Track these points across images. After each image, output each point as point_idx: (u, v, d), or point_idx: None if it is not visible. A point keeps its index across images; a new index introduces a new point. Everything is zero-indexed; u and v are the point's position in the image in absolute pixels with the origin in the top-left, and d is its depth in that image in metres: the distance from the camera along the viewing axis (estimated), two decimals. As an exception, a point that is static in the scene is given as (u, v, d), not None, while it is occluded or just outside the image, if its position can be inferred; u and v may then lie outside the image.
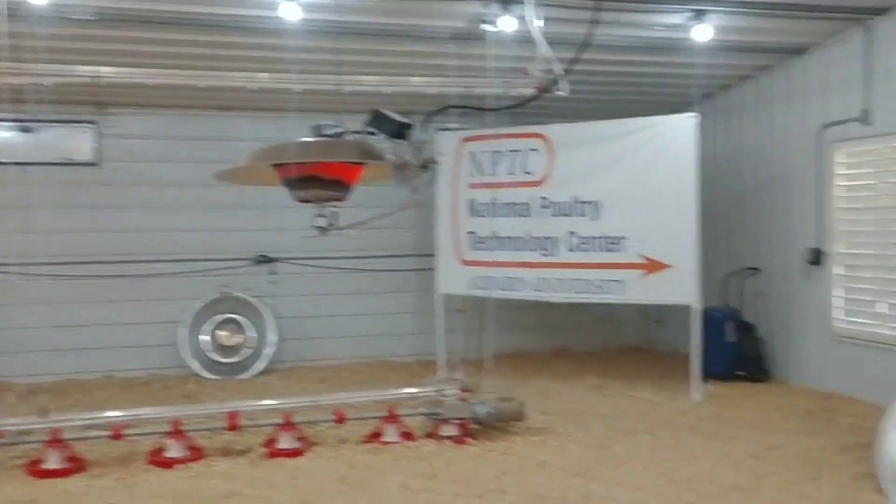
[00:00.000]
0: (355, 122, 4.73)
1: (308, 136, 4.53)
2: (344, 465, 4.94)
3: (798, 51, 6.90)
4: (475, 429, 5.53)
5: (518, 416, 5.62)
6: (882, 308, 6.25)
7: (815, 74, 6.83)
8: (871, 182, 6.35)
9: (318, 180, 4.37)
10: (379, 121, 4.63)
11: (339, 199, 4.50)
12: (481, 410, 5.50)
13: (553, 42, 5.39)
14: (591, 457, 5.11)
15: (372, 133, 4.63)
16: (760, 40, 6.63)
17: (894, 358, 5.96)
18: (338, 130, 4.50)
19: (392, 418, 5.45)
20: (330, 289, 8.37)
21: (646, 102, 8.11)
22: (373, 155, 4.49)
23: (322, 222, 4.50)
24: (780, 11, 5.90)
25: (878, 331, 6.28)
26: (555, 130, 7.22)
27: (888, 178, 6.18)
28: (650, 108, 8.02)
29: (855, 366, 6.45)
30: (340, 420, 5.45)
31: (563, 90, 5.46)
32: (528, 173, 7.26)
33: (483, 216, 7.45)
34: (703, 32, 6.00)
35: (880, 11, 6.04)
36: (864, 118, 6.26)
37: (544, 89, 5.50)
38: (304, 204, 4.60)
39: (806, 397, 6.57)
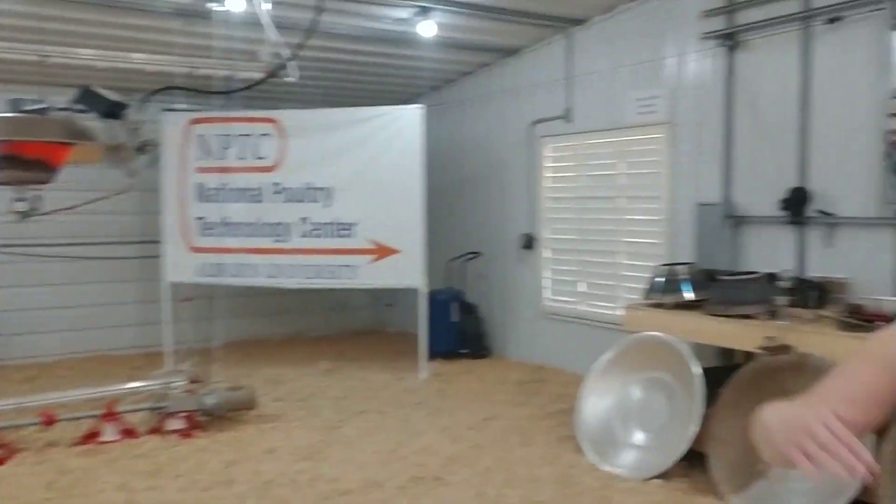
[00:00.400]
0: (63, 99, 4.35)
1: (4, 112, 4.09)
2: (52, 471, 4.56)
3: (512, 51, 7.48)
4: (204, 420, 5.37)
5: (249, 405, 5.55)
6: (582, 287, 7.01)
7: (527, 74, 7.44)
8: (573, 174, 7.07)
9: (16, 161, 3.96)
10: (89, 98, 4.30)
11: (42, 182, 4.11)
12: (210, 401, 5.35)
13: (283, 26, 5.36)
14: (321, 439, 5.19)
15: (82, 111, 4.29)
16: (480, 39, 7.08)
17: (592, 332, 6.70)
18: (41, 107, 4.11)
19: (111, 416, 5.11)
20: (37, 280, 7.62)
21: (378, 92, 8.33)
22: (81, 135, 4.16)
23: (22, 206, 4.09)
24: (495, 14, 6.35)
25: (579, 308, 7.04)
26: (287, 116, 7.17)
27: (586, 170, 6.92)
28: (382, 97, 8.26)
29: (561, 340, 7.17)
30: (49, 422, 5.00)
31: (291, 76, 5.45)
32: (259, 158, 7.15)
33: (212, 201, 7.22)
34: (427, 28, 6.28)
35: (579, 22, 6.73)
36: (567, 116, 6.96)
37: (272, 74, 5.45)
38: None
39: (519, 370, 7.18)
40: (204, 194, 7.24)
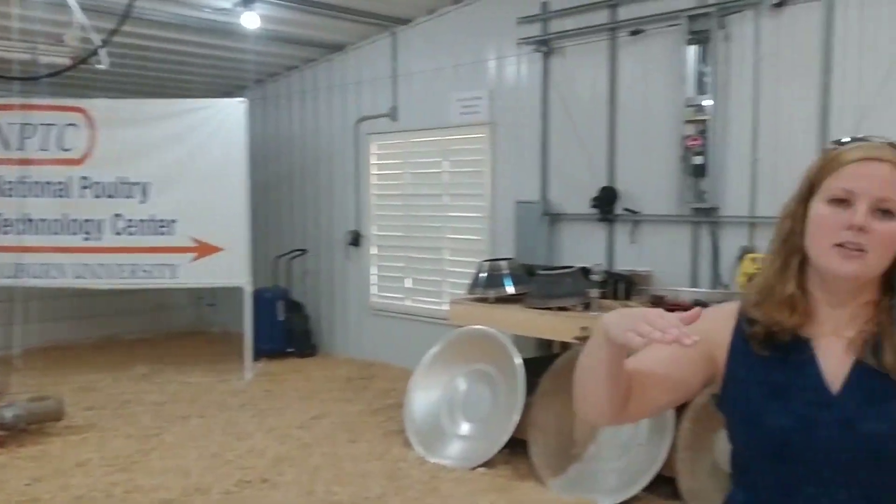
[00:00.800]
0: None
1: None
2: None
3: (338, 48, 7.45)
4: (2, 436, 4.93)
5: (56, 416, 5.17)
6: (408, 283, 7.12)
7: (353, 71, 7.44)
8: (399, 172, 7.16)
9: None
10: None
11: None
12: (8, 414, 4.92)
13: (93, 10, 5.03)
14: (139, 448, 4.94)
15: None
16: (305, 34, 6.99)
17: (419, 327, 6.81)
18: None
19: None
20: None
21: (198, 84, 8.01)
22: None
23: None
24: (319, 9, 6.29)
25: (406, 303, 7.14)
26: (97, 105, 6.73)
27: (411, 168, 7.03)
28: (203, 89, 7.95)
29: (388, 335, 7.24)
30: None
31: (102, 63, 5.13)
32: (65, 150, 6.66)
33: (10, 196, 6.63)
34: (250, 20, 6.11)
35: (404, 21, 6.82)
36: (392, 114, 7.03)
37: (81, 60, 5.10)
38: None
39: (348, 367, 7.18)
40: (0, 188, 6.65)
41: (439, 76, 6.68)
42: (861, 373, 1.29)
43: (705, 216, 5.10)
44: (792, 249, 1.35)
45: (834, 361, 1.31)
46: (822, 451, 1.27)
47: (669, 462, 3.95)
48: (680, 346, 1.19)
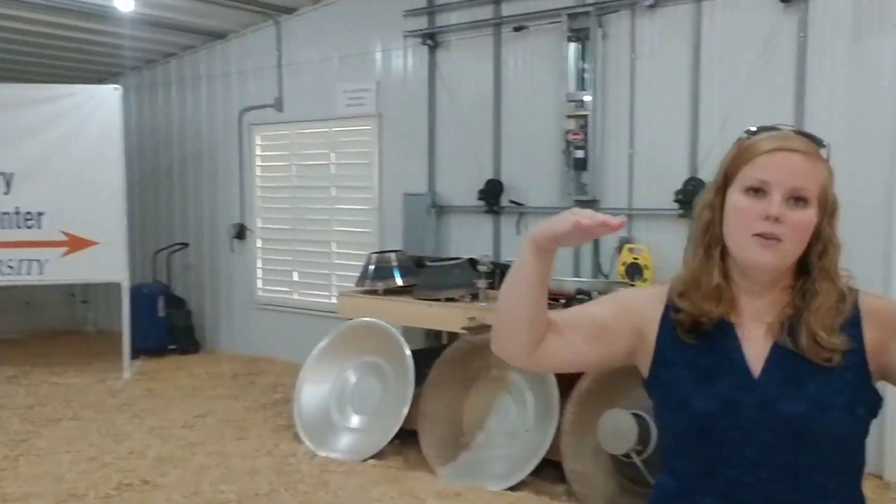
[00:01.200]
0: None
1: None
2: None
3: (219, 35, 7.23)
4: None
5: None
6: (296, 276, 7.02)
7: (236, 60, 7.24)
8: (285, 163, 7.04)
9: None
10: None
11: None
12: None
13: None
14: (7, 455, 4.65)
15: None
16: (183, 20, 6.74)
17: (307, 320, 6.73)
18: None
19: None
20: None
21: (72, 69, 7.59)
22: None
23: None
24: (199, -5, 6.10)
25: (293, 297, 7.03)
26: (-46, 90, 6.28)
27: (298, 160, 6.93)
28: (74, 75, 7.54)
29: (276, 330, 7.12)
30: None
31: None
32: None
33: None
34: (124, 3, 5.84)
35: (289, 10, 6.69)
36: (277, 105, 6.89)
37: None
38: None
39: (233, 363, 7.01)
40: None
41: (325, 67, 6.60)
42: (780, 355, 1.33)
43: (587, 208, 5.26)
44: (713, 240, 1.38)
45: (755, 346, 1.35)
46: (745, 433, 1.30)
47: (555, 446, 4.08)
48: (607, 230, 1.25)
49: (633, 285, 4.69)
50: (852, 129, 4.27)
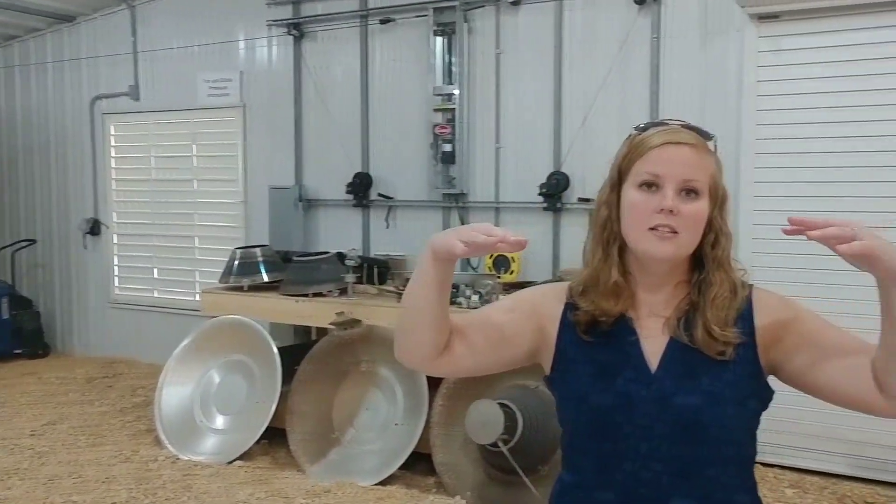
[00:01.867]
0: None
1: None
2: None
3: (67, 18, 6.79)
4: None
5: None
6: (155, 273, 6.71)
7: (87, 45, 6.83)
8: (143, 155, 6.70)
9: None
10: None
11: None
12: None
13: None
14: None
15: None
16: (26, 0, 6.29)
17: (169, 319, 6.45)
18: None
19: None
20: None
21: None
22: None
23: None
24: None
25: (153, 295, 6.72)
26: None
27: (157, 152, 6.62)
28: None
29: (134, 330, 6.78)
30: None
31: None
32: None
33: None
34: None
35: (143, -7, 6.38)
36: (133, 93, 6.55)
37: None
38: None
39: (88, 366, 6.62)
40: None
41: (185, 55, 6.34)
42: (675, 350, 1.34)
43: (455, 201, 5.32)
44: (611, 236, 1.39)
45: (653, 341, 1.36)
46: (641, 427, 1.31)
47: (425, 439, 4.09)
48: (507, 247, 1.23)
49: (499, 278, 4.77)
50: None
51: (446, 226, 5.39)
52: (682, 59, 4.61)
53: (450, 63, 5.22)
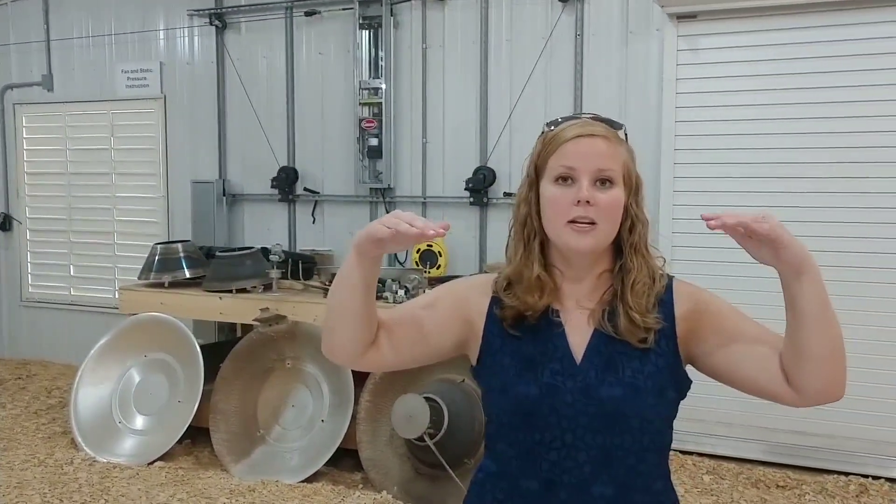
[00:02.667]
0: None
1: None
2: None
3: (-23, 4, 6.49)
4: None
5: None
6: (72, 271, 6.47)
7: (-3, 32, 6.54)
8: (58, 148, 6.45)
9: None
10: None
11: None
12: None
13: None
14: None
15: None
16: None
17: (84, 318, 6.24)
18: None
19: None
20: None
21: None
22: None
23: None
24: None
25: (69, 293, 6.48)
26: None
27: (73, 144, 6.37)
28: None
29: (49, 329, 6.53)
30: None
31: None
32: None
33: None
34: None
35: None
36: (46, 84, 6.30)
37: None
38: None
39: (-1, 368, 6.35)
40: None
41: (102, 44, 6.12)
42: (600, 341, 1.37)
43: (382, 196, 5.30)
44: (531, 232, 1.41)
45: (578, 332, 1.39)
46: (565, 418, 1.33)
47: (351, 435, 4.06)
48: (425, 238, 1.25)
49: (426, 272, 4.77)
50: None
51: (373, 220, 5.35)
52: (604, 56, 4.69)
53: (376, 57, 5.19)
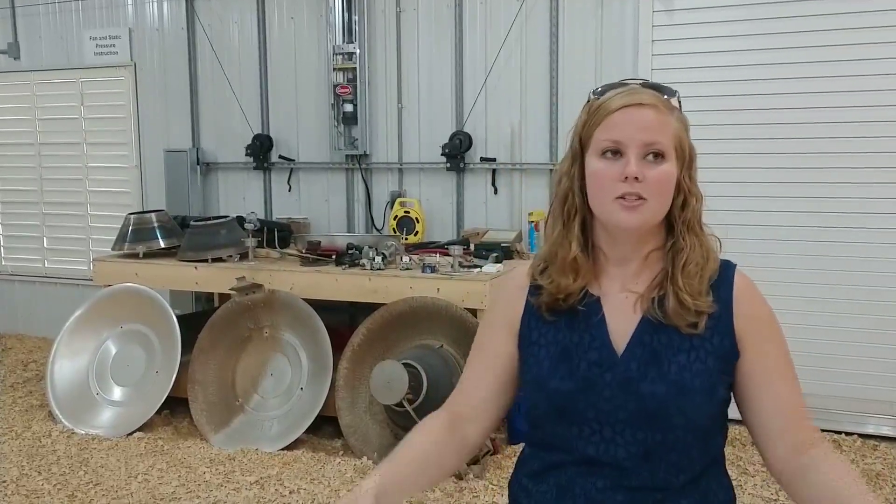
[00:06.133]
0: None
1: None
2: None
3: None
4: None
5: None
6: (45, 243, 6.38)
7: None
8: (26, 118, 6.32)
9: None
10: None
11: None
12: None
13: None
14: None
15: None
16: None
17: (58, 290, 6.18)
18: None
19: None
20: None
21: None
22: None
23: None
24: None
25: (43, 265, 6.40)
26: None
27: (42, 114, 6.25)
28: None
29: (22, 303, 6.45)
30: None
31: None
32: None
33: None
34: None
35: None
36: (12, 51, 6.15)
37: None
38: None
39: (-26, 342, 6.28)
40: None
41: (68, 10, 5.98)
42: (646, 330, 1.29)
43: (357, 163, 5.25)
44: (571, 209, 1.32)
45: (622, 320, 1.30)
46: (604, 412, 1.27)
47: (330, 402, 4.07)
48: None
49: (405, 239, 4.75)
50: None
51: (349, 187, 5.33)
52: (580, 18, 4.64)
53: (350, 21, 5.10)
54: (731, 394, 1.34)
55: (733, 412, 1.35)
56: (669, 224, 1.32)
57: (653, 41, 4.37)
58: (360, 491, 1.24)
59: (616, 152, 1.25)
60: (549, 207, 1.38)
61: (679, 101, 1.32)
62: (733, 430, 1.47)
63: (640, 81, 1.30)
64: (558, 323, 1.33)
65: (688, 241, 1.29)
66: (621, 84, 1.30)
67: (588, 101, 1.32)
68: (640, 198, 1.24)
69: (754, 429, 1.34)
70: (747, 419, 1.34)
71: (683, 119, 1.32)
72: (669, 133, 1.27)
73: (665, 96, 1.29)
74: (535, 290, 1.37)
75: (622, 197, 1.24)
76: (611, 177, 1.24)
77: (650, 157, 1.25)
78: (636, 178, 1.23)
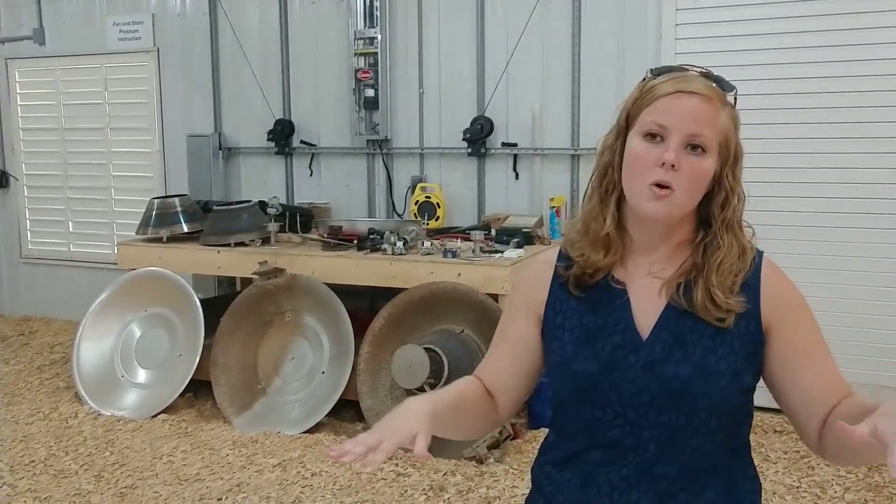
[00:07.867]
0: None
1: None
2: None
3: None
4: None
5: None
6: (71, 227, 6.46)
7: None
8: (52, 103, 6.38)
9: None
10: None
11: None
12: None
13: None
14: None
15: None
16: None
17: (83, 274, 6.25)
18: None
19: None
20: None
21: None
22: None
23: None
24: None
25: (68, 249, 6.48)
26: None
27: (67, 99, 6.30)
28: None
29: (48, 286, 6.54)
30: None
31: None
32: None
33: None
34: None
35: (45, -71, 6.00)
36: (38, 37, 6.21)
37: None
38: None
39: (1, 325, 6.38)
40: None
41: (92, -4, 6.03)
42: (671, 315, 1.28)
43: (378, 148, 5.25)
44: (610, 185, 1.31)
45: (647, 304, 1.29)
46: (627, 394, 1.26)
47: (351, 386, 4.10)
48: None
49: (426, 224, 4.75)
50: (622, 72, 4.55)
51: (370, 172, 5.33)
52: (602, 3, 4.59)
53: (371, 6, 5.09)
54: (760, 380, 1.32)
55: (759, 401, 1.34)
56: (701, 218, 1.30)
57: (676, 25, 4.32)
58: (417, 406, 1.23)
59: (658, 136, 1.23)
60: (590, 178, 1.35)
61: (735, 98, 1.29)
62: (755, 418, 1.44)
63: (701, 70, 1.28)
64: (583, 304, 1.33)
65: (725, 241, 1.27)
66: (680, 69, 1.28)
67: (643, 79, 1.30)
68: (670, 188, 1.22)
69: (794, 409, 1.30)
70: (785, 402, 1.31)
71: (735, 116, 1.29)
72: (716, 127, 1.24)
73: (722, 90, 1.27)
74: (565, 260, 1.36)
75: (656, 184, 1.22)
76: (648, 160, 1.23)
77: (691, 148, 1.23)
78: (672, 165, 1.21)
